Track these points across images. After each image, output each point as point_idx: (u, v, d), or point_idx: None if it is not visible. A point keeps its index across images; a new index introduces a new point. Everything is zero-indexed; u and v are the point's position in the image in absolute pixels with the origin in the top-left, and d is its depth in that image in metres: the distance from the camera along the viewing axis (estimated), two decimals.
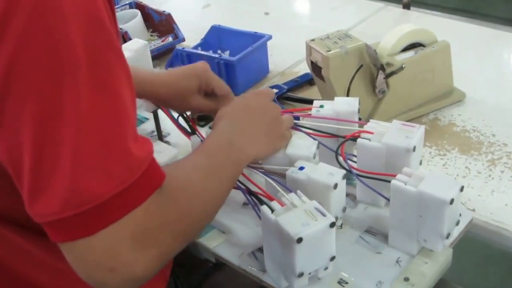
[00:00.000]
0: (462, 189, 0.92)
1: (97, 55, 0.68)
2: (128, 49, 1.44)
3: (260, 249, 1.01)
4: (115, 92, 0.70)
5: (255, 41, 1.61)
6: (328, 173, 0.95)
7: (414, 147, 0.98)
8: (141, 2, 1.92)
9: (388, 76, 1.35)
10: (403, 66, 1.35)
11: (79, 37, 0.66)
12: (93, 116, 0.67)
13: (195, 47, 1.69)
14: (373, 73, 1.35)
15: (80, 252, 0.69)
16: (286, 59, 1.73)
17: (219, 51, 1.71)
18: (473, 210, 1.11)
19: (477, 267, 1.13)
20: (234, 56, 1.56)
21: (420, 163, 1.05)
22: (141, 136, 0.74)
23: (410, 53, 1.40)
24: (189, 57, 1.63)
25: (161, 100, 1.18)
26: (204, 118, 1.35)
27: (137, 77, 0.93)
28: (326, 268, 0.93)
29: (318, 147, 1.03)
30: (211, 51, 1.67)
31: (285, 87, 1.56)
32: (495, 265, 1.47)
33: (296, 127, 1.07)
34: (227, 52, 1.71)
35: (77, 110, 0.66)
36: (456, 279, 1.09)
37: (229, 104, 1.06)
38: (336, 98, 1.11)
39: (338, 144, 1.06)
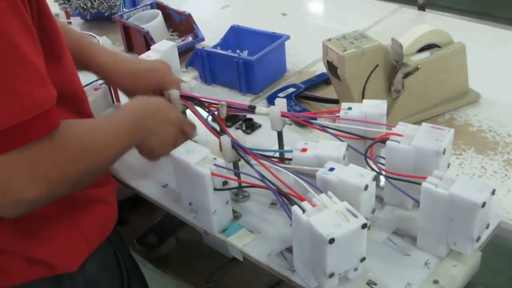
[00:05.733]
0: (493, 192, 0.86)
1: None
2: (157, 50, 1.42)
3: (289, 249, 0.96)
4: (13, 44, 0.75)
5: (273, 41, 1.57)
6: (359, 175, 0.90)
7: (444, 150, 0.93)
8: (162, 3, 1.87)
9: (405, 76, 1.30)
10: (419, 66, 1.30)
11: None
12: None
13: (215, 47, 1.65)
14: (389, 73, 1.30)
15: None
16: (303, 59, 1.68)
17: (237, 51, 1.66)
18: None
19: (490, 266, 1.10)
20: (253, 55, 1.52)
21: (448, 166, 0.99)
22: (50, 84, 0.80)
23: (426, 54, 1.36)
24: (209, 57, 1.58)
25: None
26: (231, 118, 1.31)
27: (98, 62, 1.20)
28: (356, 269, 0.88)
29: (347, 149, 0.98)
30: (230, 51, 1.63)
31: (302, 86, 1.52)
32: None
33: (324, 128, 1.02)
34: (246, 52, 1.67)
35: None
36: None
37: (151, 96, 1.12)
38: (364, 101, 1.05)
39: (364, 146, 1.01)
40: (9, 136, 0.76)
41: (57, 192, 0.85)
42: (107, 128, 0.97)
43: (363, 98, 1.28)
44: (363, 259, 0.86)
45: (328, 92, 1.49)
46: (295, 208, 0.85)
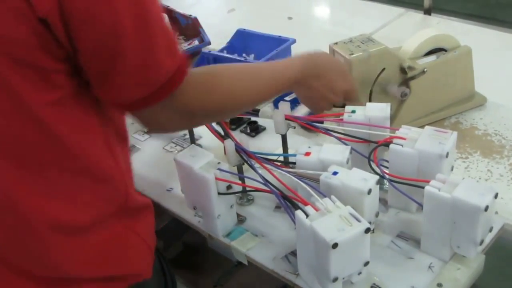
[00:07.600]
0: (496, 195, 0.86)
1: None
2: None
3: (293, 253, 0.97)
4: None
5: (279, 45, 1.57)
6: (362, 179, 0.90)
7: (447, 153, 0.93)
8: (168, 6, 1.87)
9: (411, 79, 1.30)
10: (425, 70, 1.30)
11: None
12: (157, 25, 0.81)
13: (221, 50, 1.65)
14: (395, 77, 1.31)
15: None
16: None
17: (244, 54, 1.67)
18: (496, 213, 1.06)
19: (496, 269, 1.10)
20: (259, 59, 1.52)
21: (452, 169, 0.99)
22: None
23: (432, 58, 1.36)
24: (215, 60, 1.59)
25: None
26: (236, 121, 1.31)
27: None
28: (359, 273, 0.88)
29: (351, 152, 0.98)
30: (236, 54, 1.64)
31: None
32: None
33: (327, 132, 1.02)
34: (252, 56, 1.67)
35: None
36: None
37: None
38: (368, 104, 1.05)
39: (368, 149, 1.01)
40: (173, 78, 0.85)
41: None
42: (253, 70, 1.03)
43: (370, 101, 1.28)
44: (366, 263, 0.86)
45: None
46: (298, 213, 0.86)
